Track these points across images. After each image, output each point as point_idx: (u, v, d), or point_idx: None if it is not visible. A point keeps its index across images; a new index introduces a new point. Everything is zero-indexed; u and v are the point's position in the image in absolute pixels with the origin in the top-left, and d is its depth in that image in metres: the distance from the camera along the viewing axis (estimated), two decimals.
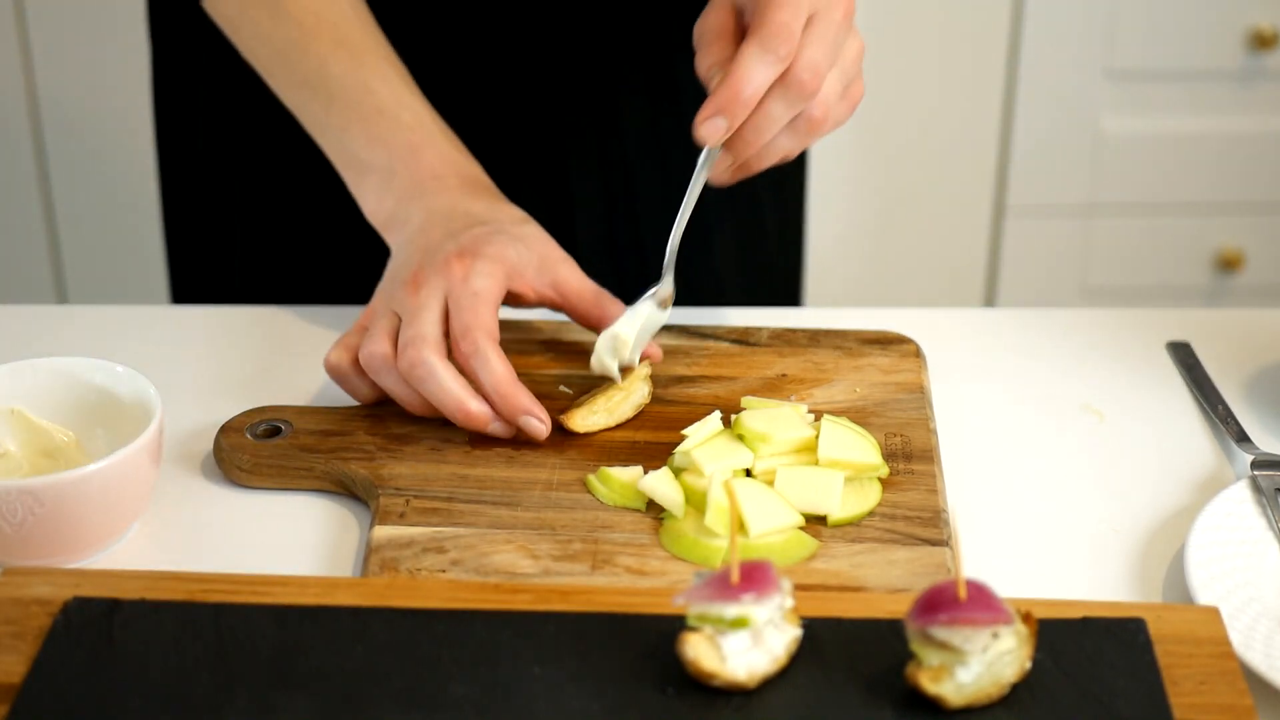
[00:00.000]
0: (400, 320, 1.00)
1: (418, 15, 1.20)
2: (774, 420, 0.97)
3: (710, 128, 0.96)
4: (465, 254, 1.00)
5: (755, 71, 0.94)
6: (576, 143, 1.26)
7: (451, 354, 0.98)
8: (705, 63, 0.99)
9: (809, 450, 0.96)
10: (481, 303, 0.99)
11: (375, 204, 1.08)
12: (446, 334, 0.99)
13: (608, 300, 1.04)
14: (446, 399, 0.97)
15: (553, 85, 1.24)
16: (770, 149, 0.99)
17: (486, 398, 0.97)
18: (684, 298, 1.20)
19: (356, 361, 1.01)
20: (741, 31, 0.98)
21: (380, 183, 1.07)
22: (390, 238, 1.07)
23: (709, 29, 0.99)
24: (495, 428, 0.98)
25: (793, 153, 1.01)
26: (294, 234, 1.29)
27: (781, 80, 0.95)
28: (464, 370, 0.98)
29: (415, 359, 0.97)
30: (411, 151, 1.07)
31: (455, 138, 1.10)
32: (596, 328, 1.04)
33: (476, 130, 1.18)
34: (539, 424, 0.97)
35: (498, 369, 0.97)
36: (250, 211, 1.30)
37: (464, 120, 1.16)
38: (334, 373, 1.02)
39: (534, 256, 1.04)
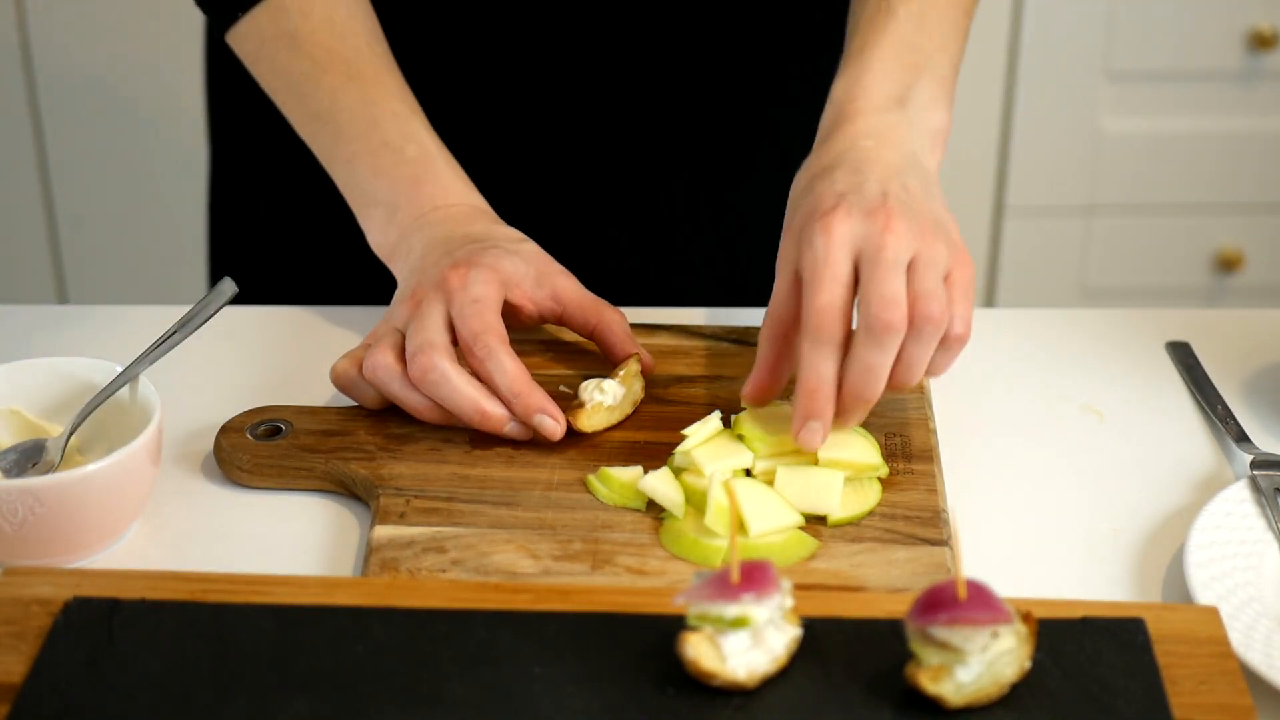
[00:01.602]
0: (403, 336, 1.00)
1: (497, 50, 1.22)
2: (773, 421, 0.97)
3: (808, 434, 0.92)
4: (460, 265, 1.01)
5: (817, 366, 0.91)
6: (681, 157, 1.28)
7: (461, 361, 0.99)
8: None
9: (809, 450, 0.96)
10: (485, 308, 0.99)
11: (380, 237, 1.10)
12: (452, 343, 0.99)
13: (607, 309, 1.05)
14: (462, 402, 0.97)
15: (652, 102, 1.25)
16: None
17: (502, 399, 0.98)
18: (724, 296, 1.22)
19: (362, 371, 1.01)
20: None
21: (384, 216, 1.09)
22: (394, 269, 1.09)
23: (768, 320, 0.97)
24: (511, 429, 0.98)
25: (939, 367, 0.95)
26: (347, 238, 1.30)
27: (866, 329, 0.90)
28: (477, 374, 0.98)
29: (427, 364, 0.97)
30: (414, 184, 1.09)
31: (459, 170, 1.12)
32: (597, 337, 1.05)
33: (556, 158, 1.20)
34: (553, 423, 0.98)
35: (512, 370, 0.98)
36: (300, 214, 1.30)
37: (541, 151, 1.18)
38: (340, 382, 1.02)
39: (531, 270, 1.04)
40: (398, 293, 1.06)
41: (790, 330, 0.95)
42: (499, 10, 1.22)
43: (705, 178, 1.29)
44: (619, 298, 1.10)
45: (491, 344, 0.98)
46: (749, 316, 1.16)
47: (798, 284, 0.94)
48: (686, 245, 1.31)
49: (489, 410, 0.97)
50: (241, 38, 1.14)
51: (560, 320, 1.06)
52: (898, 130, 0.99)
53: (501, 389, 0.98)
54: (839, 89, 1.02)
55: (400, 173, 1.09)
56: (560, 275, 1.06)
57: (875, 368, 0.91)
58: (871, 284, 0.90)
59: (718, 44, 1.24)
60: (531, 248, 1.06)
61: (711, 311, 1.18)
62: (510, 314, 1.04)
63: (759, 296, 1.33)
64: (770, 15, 1.24)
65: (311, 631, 0.81)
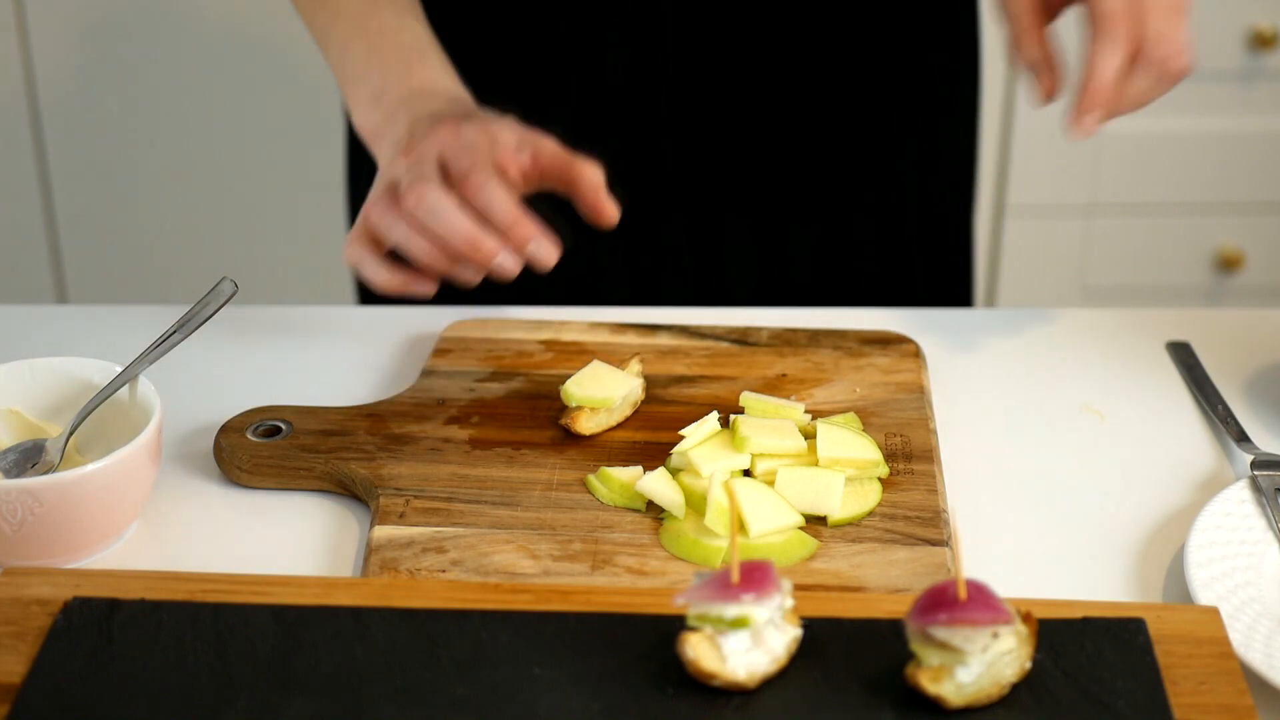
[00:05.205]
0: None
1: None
2: (770, 431, 0.96)
3: (1092, 121, 1.03)
4: (450, 120, 1.03)
5: (1109, 62, 1.01)
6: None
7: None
8: (1023, 43, 1.09)
9: (809, 451, 0.96)
10: (478, 151, 1.01)
11: (364, 116, 1.11)
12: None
13: (582, 161, 1.04)
14: (455, 230, 0.98)
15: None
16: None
17: (497, 230, 0.98)
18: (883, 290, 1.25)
19: (371, 244, 1.02)
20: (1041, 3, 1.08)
21: (371, 96, 1.10)
22: (377, 148, 1.09)
23: (1016, 7, 1.09)
24: (503, 259, 0.98)
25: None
26: None
27: (1141, 60, 1.01)
28: (472, 208, 0.99)
29: (421, 194, 0.98)
30: (404, 68, 1.10)
31: (449, 64, 1.13)
32: (569, 185, 1.04)
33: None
34: (549, 249, 0.98)
35: (506, 200, 0.98)
36: None
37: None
38: (352, 260, 1.03)
39: (514, 135, 1.05)
40: (382, 169, 1.06)
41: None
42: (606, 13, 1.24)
43: (805, 178, 1.30)
44: (722, 298, 1.11)
45: (487, 175, 0.99)
46: (749, 316, 1.16)
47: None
48: (788, 244, 1.32)
49: (481, 240, 0.98)
50: None
51: (539, 181, 1.05)
52: None
53: (497, 217, 0.98)
54: None
55: (393, 57, 1.11)
56: (540, 139, 1.06)
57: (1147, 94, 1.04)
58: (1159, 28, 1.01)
59: (823, 50, 1.27)
60: (513, 121, 1.07)
61: (712, 310, 1.18)
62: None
63: (851, 296, 1.34)
64: (870, 26, 1.28)
65: (311, 631, 0.81)
